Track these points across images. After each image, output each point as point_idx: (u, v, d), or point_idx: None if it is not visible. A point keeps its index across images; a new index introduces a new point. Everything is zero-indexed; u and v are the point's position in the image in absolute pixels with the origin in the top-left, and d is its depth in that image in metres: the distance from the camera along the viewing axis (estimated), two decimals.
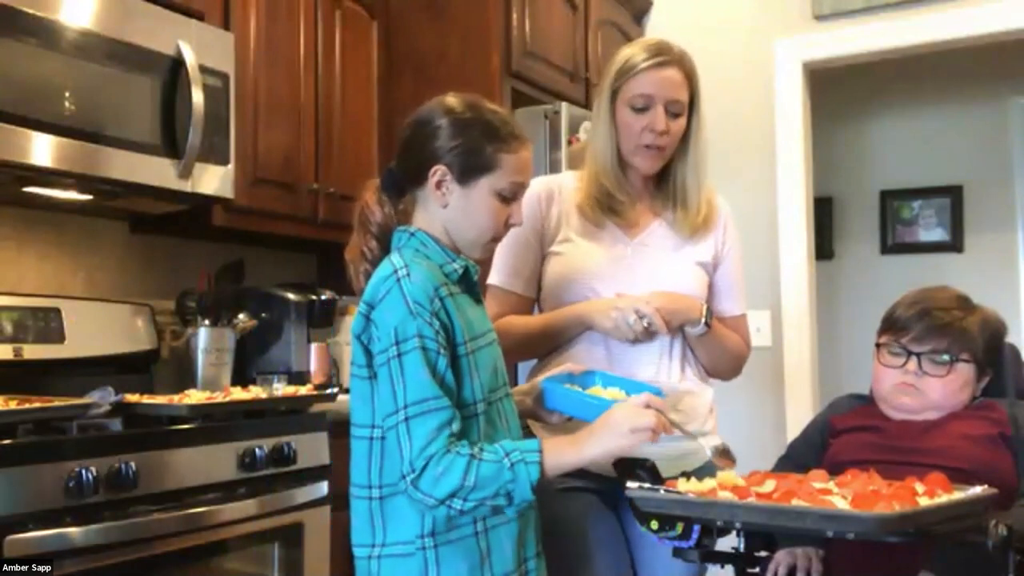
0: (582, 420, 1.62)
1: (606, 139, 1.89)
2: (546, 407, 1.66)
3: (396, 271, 1.42)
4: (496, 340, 1.58)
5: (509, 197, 1.52)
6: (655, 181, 1.95)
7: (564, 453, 1.42)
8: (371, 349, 1.44)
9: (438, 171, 1.48)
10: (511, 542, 1.49)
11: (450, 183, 1.49)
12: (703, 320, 1.84)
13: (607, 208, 1.89)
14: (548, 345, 1.91)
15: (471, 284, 1.55)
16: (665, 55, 1.84)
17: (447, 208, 1.50)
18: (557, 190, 1.94)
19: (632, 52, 1.87)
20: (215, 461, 2.06)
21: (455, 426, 1.38)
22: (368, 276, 1.52)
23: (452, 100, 1.53)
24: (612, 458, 1.49)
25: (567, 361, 1.81)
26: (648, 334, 1.79)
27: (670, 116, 1.84)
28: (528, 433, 1.77)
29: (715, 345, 1.91)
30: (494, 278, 1.93)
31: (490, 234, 1.53)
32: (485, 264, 1.66)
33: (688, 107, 1.87)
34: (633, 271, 1.86)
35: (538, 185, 1.94)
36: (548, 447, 1.41)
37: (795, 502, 1.35)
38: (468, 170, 1.48)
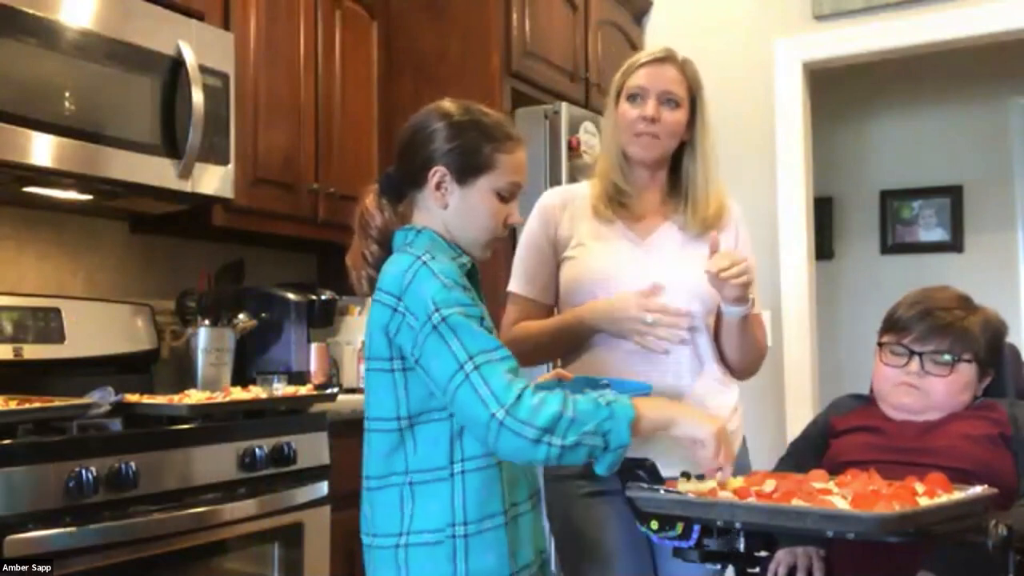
0: None
1: (610, 134, 1.95)
2: None
3: (419, 257, 1.44)
4: None
5: (507, 196, 1.55)
6: (666, 185, 1.97)
7: (658, 409, 1.44)
8: (398, 341, 1.43)
9: (437, 172, 1.51)
10: (529, 533, 1.51)
11: (449, 183, 1.51)
12: (750, 301, 1.82)
13: (616, 203, 1.93)
14: (560, 348, 1.94)
15: (475, 283, 1.56)
16: (664, 54, 1.92)
17: (447, 209, 1.53)
18: (571, 198, 1.99)
19: (637, 55, 1.96)
20: (215, 461, 2.06)
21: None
22: (371, 280, 1.54)
23: (448, 104, 1.56)
24: (695, 433, 1.45)
25: (584, 367, 1.86)
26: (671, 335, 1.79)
27: (664, 106, 1.88)
28: None
29: (746, 335, 1.90)
30: (512, 285, 1.97)
31: (490, 233, 1.55)
32: (484, 266, 1.67)
33: (690, 107, 1.91)
34: (645, 273, 1.87)
35: (553, 194, 2.02)
36: (638, 402, 1.41)
37: (795, 502, 1.35)
38: (467, 170, 1.51)
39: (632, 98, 1.90)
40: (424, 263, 1.42)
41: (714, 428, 1.44)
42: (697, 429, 1.44)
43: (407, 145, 1.55)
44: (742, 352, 1.92)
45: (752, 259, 1.99)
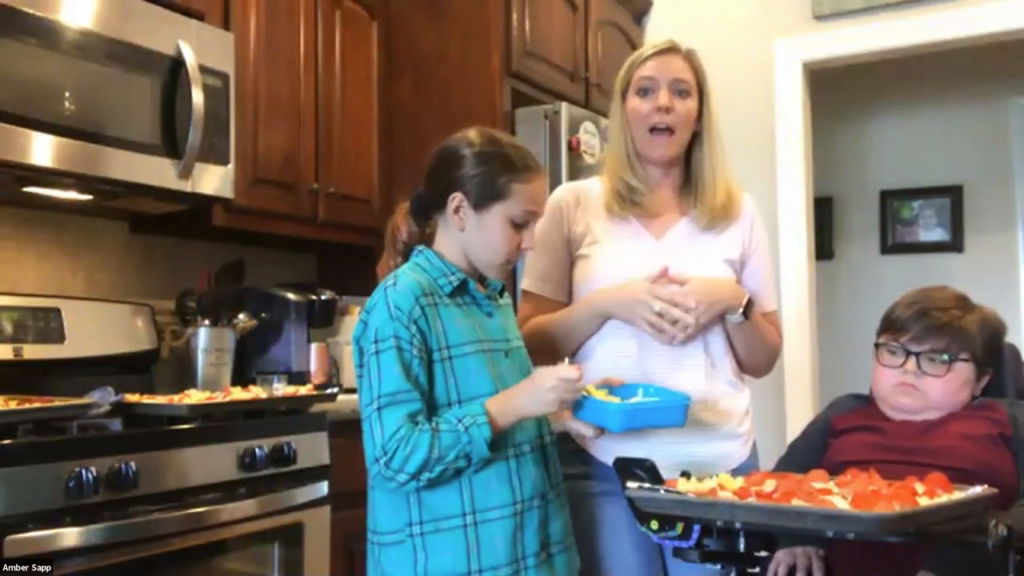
0: (608, 430, 1.62)
1: (620, 131, 1.93)
2: (576, 417, 1.66)
3: (386, 282, 1.59)
4: (502, 350, 1.65)
5: (521, 224, 1.64)
6: (678, 180, 1.96)
7: (505, 412, 1.55)
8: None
9: (456, 198, 1.61)
10: (504, 539, 1.55)
11: (466, 209, 1.61)
12: (741, 310, 1.83)
13: (628, 200, 1.91)
14: (571, 341, 1.90)
15: (476, 296, 1.65)
16: (669, 45, 1.91)
17: (464, 232, 1.63)
18: (584, 195, 1.96)
19: (640, 50, 1.95)
20: (215, 461, 2.06)
21: (421, 417, 1.52)
22: None
23: (474, 134, 1.66)
24: (544, 409, 1.58)
25: (596, 361, 1.84)
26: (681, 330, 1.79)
27: (676, 95, 1.87)
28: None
29: (753, 336, 1.90)
30: (526, 283, 1.96)
31: (503, 256, 1.64)
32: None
33: (698, 95, 1.91)
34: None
35: (564, 190, 1.99)
36: (490, 407, 1.54)
37: (795, 502, 1.35)
38: (483, 198, 1.61)
39: (642, 92, 1.88)
40: (386, 288, 1.56)
41: (552, 380, 1.54)
42: (542, 400, 1.55)
43: (433, 169, 1.66)
44: (750, 351, 1.92)
45: (764, 255, 2.00)
